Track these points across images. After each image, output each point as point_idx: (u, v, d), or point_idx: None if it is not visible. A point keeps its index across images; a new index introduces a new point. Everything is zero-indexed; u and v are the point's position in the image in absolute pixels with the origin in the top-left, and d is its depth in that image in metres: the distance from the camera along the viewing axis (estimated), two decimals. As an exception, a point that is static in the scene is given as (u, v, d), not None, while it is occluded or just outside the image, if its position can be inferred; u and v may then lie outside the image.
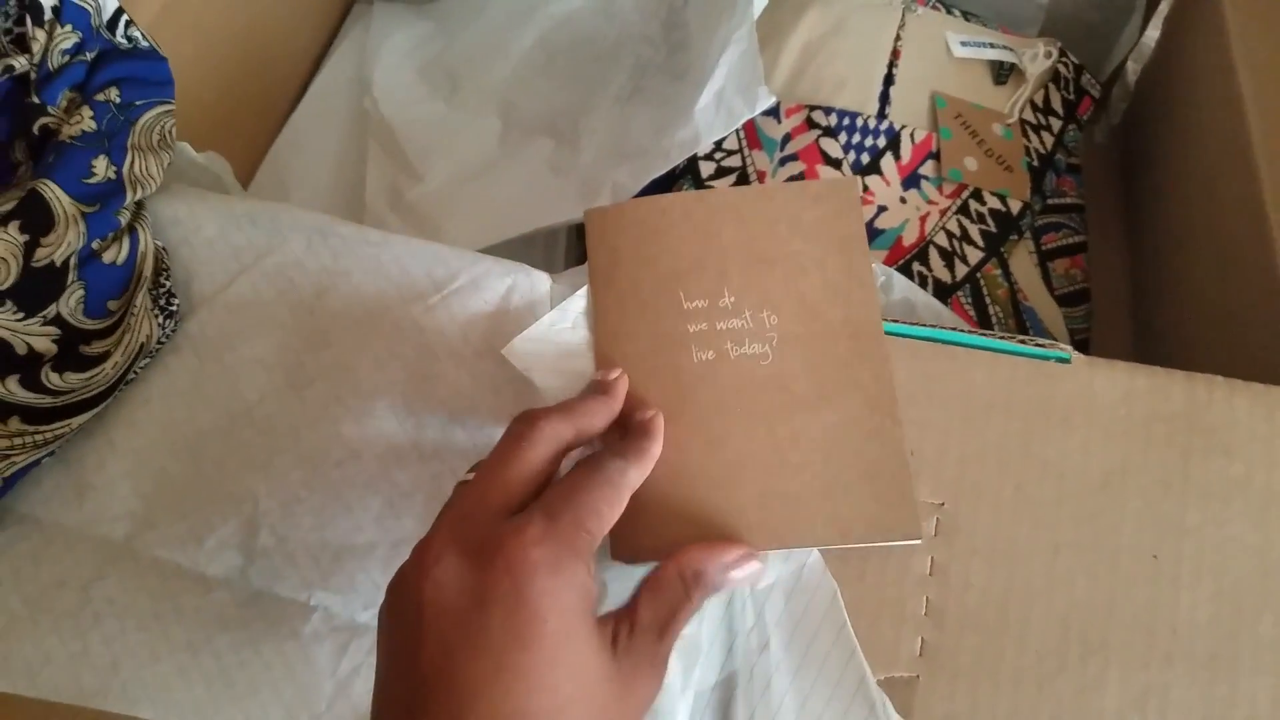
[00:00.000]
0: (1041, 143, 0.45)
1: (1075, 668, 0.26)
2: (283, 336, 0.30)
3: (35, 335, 0.28)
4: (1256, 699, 0.26)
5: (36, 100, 0.30)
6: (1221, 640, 0.26)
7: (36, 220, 0.28)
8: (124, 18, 0.33)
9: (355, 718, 0.26)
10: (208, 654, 0.26)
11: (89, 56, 0.32)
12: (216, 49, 0.45)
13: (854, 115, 0.43)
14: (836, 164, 0.42)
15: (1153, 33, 0.53)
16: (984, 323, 0.40)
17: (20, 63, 0.30)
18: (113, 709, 0.26)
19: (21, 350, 0.28)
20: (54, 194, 0.28)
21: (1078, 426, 0.28)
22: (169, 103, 0.34)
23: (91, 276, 0.29)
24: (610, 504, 0.23)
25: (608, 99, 0.48)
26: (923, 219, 0.41)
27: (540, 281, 0.31)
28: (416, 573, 0.21)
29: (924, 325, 0.30)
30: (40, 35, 0.30)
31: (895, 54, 0.45)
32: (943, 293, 0.40)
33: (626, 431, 0.27)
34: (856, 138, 0.43)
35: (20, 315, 0.27)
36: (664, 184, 0.43)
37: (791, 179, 0.42)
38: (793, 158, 0.43)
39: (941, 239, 0.41)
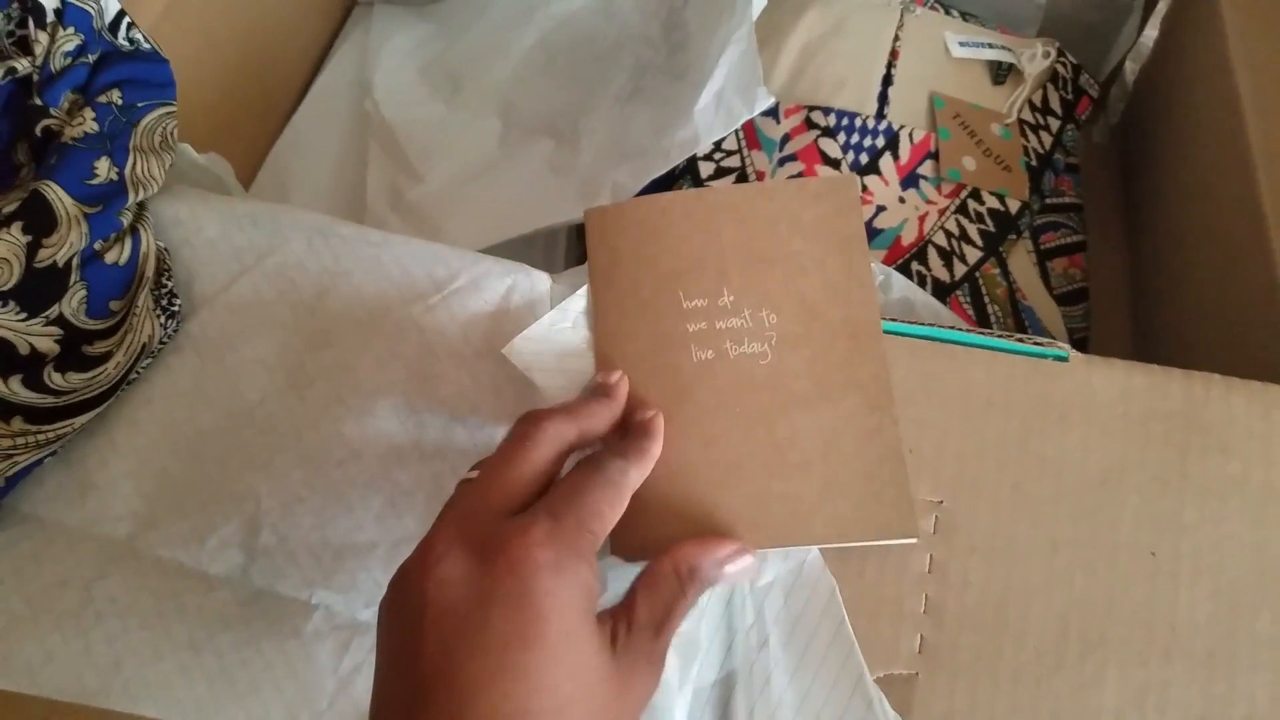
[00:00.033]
0: (1040, 142, 0.45)
1: (1074, 665, 0.26)
2: (284, 336, 0.30)
3: (38, 335, 0.28)
4: (1254, 696, 0.26)
5: (39, 102, 0.30)
6: (1220, 637, 0.26)
7: (39, 221, 0.28)
8: (126, 20, 0.33)
9: (357, 715, 0.26)
10: (210, 652, 0.26)
11: (91, 58, 0.32)
12: (217, 51, 0.45)
13: (853, 115, 0.43)
14: (835, 164, 0.42)
15: (1151, 32, 0.53)
16: (983, 322, 0.40)
17: (23, 65, 0.30)
18: (115, 707, 0.26)
19: (24, 350, 0.28)
20: (56, 195, 0.29)
21: (1076, 424, 0.28)
22: (171, 104, 0.34)
23: (94, 277, 0.29)
24: (612, 504, 0.23)
25: (608, 99, 0.48)
26: (921, 219, 0.41)
27: (540, 281, 0.31)
28: (419, 570, 0.21)
29: (923, 324, 0.30)
30: (42, 37, 0.30)
31: (894, 54, 0.45)
32: (941, 292, 0.40)
33: (627, 432, 0.27)
34: (855, 138, 0.43)
35: (23, 315, 0.28)
36: (664, 184, 0.43)
37: (791, 179, 0.42)
38: (792, 158, 0.43)
39: (940, 238, 0.41)
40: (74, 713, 0.27)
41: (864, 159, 0.43)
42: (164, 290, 0.30)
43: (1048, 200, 0.44)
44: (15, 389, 0.27)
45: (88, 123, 0.31)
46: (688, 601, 0.24)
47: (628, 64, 0.49)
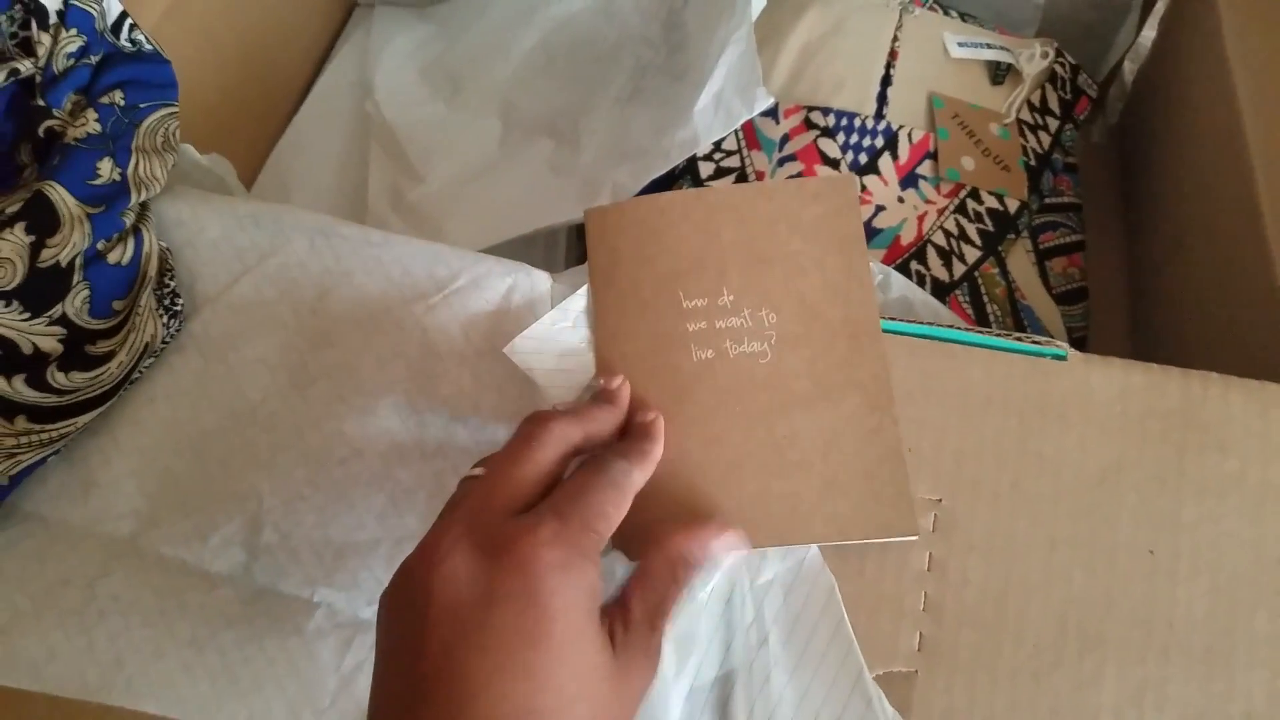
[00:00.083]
0: (1039, 142, 0.45)
1: (1072, 662, 0.26)
2: (286, 336, 0.30)
3: (41, 335, 0.28)
4: (1252, 693, 0.26)
5: (42, 103, 0.30)
6: (1218, 635, 0.26)
7: (42, 221, 0.28)
8: (128, 21, 0.33)
9: (359, 713, 0.26)
10: (212, 650, 0.27)
11: (94, 60, 0.32)
12: (219, 52, 0.45)
13: (852, 115, 0.43)
14: (835, 164, 0.43)
15: (1149, 33, 0.53)
16: (982, 321, 0.40)
17: (25, 66, 0.30)
18: (117, 704, 0.26)
19: (28, 350, 0.28)
20: (59, 195, 0.29)
21: (1074, 423, 0.28)
22: (173, 105, 0.34)
23: (96, 277, 0.29)
24: (616, 505, 0.23)
25: (608, 100, 0.48)
26: (920, 218, 0.42)
27: (541, 281, 0.31)
28: (424, 566, 0.21)
29: (922, 323, 0.30)
30: (45, 39, 0.31)
31: (893, 55, 0.45)
32: (941, 291, 0.40)
33: (628, 434, 0.27)
34: (854, 138, 0.43)
35: (26, 315, 0.28)
36: (663, 184, 0.43)
37: (790, 179, 0.42)
38: (791, 158, 0.43)
39: (939, 238, 0.41)
40: (76, 710, 0.27)
41: (863, 159, 0.43)
42: (166, 290, 0.30)
43: (1046, 200, 0.44)
44: (19, 388, 0.27)
45: (90, 123, 0.31)
46: (680, 590, 0.24)
47: (628, 65, 0.49)
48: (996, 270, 0.41)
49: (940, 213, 0.42)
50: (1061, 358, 0.29)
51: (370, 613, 0.27)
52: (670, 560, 0.24)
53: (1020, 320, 0.41)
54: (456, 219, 0.46)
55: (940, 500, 0.28)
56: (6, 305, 0.27)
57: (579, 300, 0.30)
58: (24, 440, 0.28)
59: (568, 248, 0.49)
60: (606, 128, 0.46)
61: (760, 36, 0.42)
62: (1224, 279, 0.38)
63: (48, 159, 0.30)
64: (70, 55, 0.31)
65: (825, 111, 0.44)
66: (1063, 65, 0.48)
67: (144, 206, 0.31)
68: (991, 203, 0.42)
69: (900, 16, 0.46)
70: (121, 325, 0.29)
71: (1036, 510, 0.28)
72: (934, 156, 0.43)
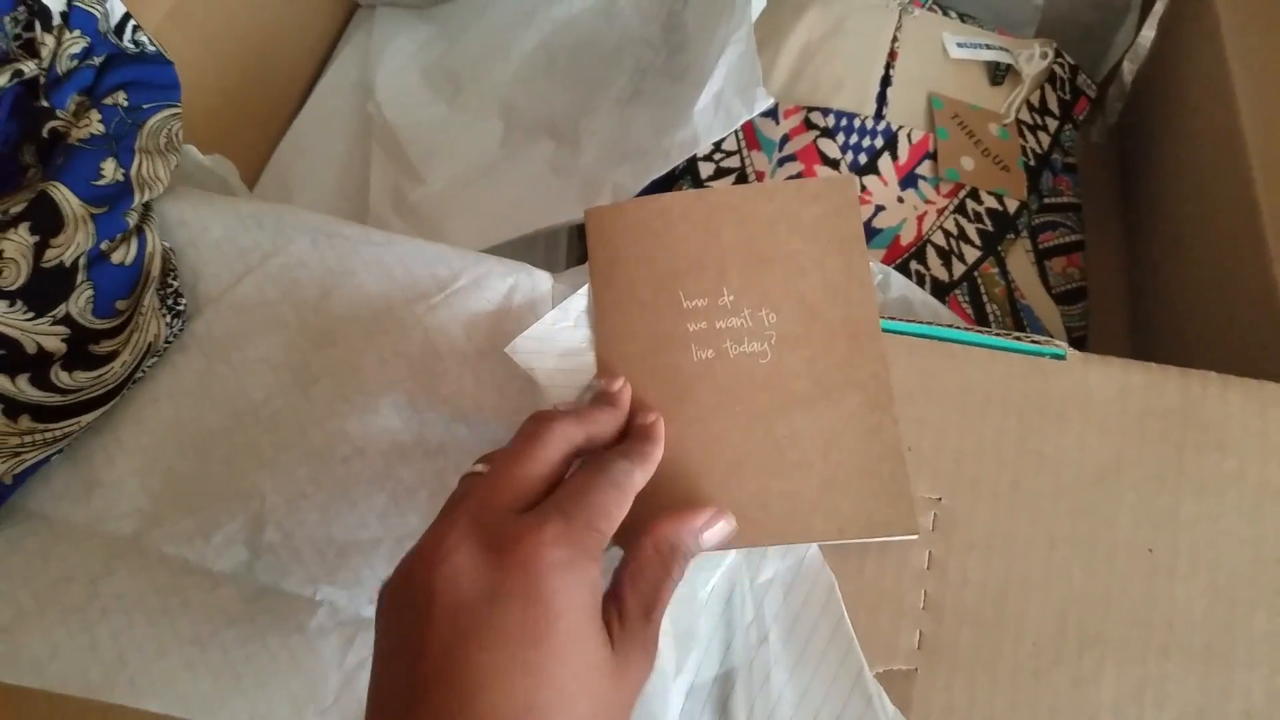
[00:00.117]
0: (1038, 142, 0.45)
1: (1072, 660, 0.26)
2: (288, 336, 0.30)
3: (45, 334, 0.28)
4: (1251, 691, 0.26)
5: (45, 104, 0.31)
6: (1217, 633, 0.26)
7: (46, 221, 0.28)
8: (131, 23, 0.34)
9: (361, 711, 0.26)
10: (215, 648, 0.27)
11: (97, 61, 0.32)
12: (221, 53, 0.45)
13: (851, 116, 0.44)
14: (835, 164, 0.43)
15: (1148, 33, 0.53)
16: (981, 321, 0.40)
17: (29, 67, 0.30)
18: (120, 702, 0.26)
19: (31, 349, 0.28)
20: (63, 196, 0.29)
21: (1073, 422, 0.28)
22: (176, 106, 0.34)
23: (100, 277, 0.29)
24: (618, 505, 0.23)
25: (608, 101, 0.48)
26: (920, 218, 0.42)
27: (542, 281, 0.31)
28: (429, 562, 0.21)
29: (921, 323, 0.30)
30: (49, 40, 0.31)
31: (892, 55, 0.45)
32: (940, 291, 0.40)
33: (629, 435, 0.27)
34: (854, 138, 0.43)
35: (30, 315, 0.28)
36: (664, 184, 0.43)
37: (790, 179, 0.43)
38: (791, 158, 0.43)
39: (939, 238, 0.41)
40: (78, 708, 0.27)
41: (863, 159, 0.43)
42: (170, 290, 0.31)
43: (1046, 200, 0.44)
44: (23, 387, 0.28)
45: (94, 124, 0.31)
46: (673, 579, 0.24)
47: (628, 66, 0.49)
48: (996, 270, 0.41)
49: (940, 213, 0.42)
50: (1061, 357, 0.29)
51: (372, 611, 0.27)
52: (660, 550, 0.24)
53: (1020, 320, 0.41)
54: (458, 219, 0.46)
55: (940, 499, 0.28)
56: (10, 305, 0.28)
57: (580, 300, 0.31)
58: (28, 439, 0.28)
59: (569, 248, 0.49)
60: (607, 128, 0.47)
61: (760, 37, 0.42)
62: (1223, 278, 0.39)
63: (51, 159, 0.30)
64: (74, 56, 0.32)
65: (825, 112, 0.44)
66: (1062, 66, 0.48)
67: (147, 207, 0.31)
68: (991, 203, 0.43)
69: (900, 17, 0.46)
70: (125, 325, 0.30)
71: (1036, 509, 0.28)
72: (933, 157, 0.43)
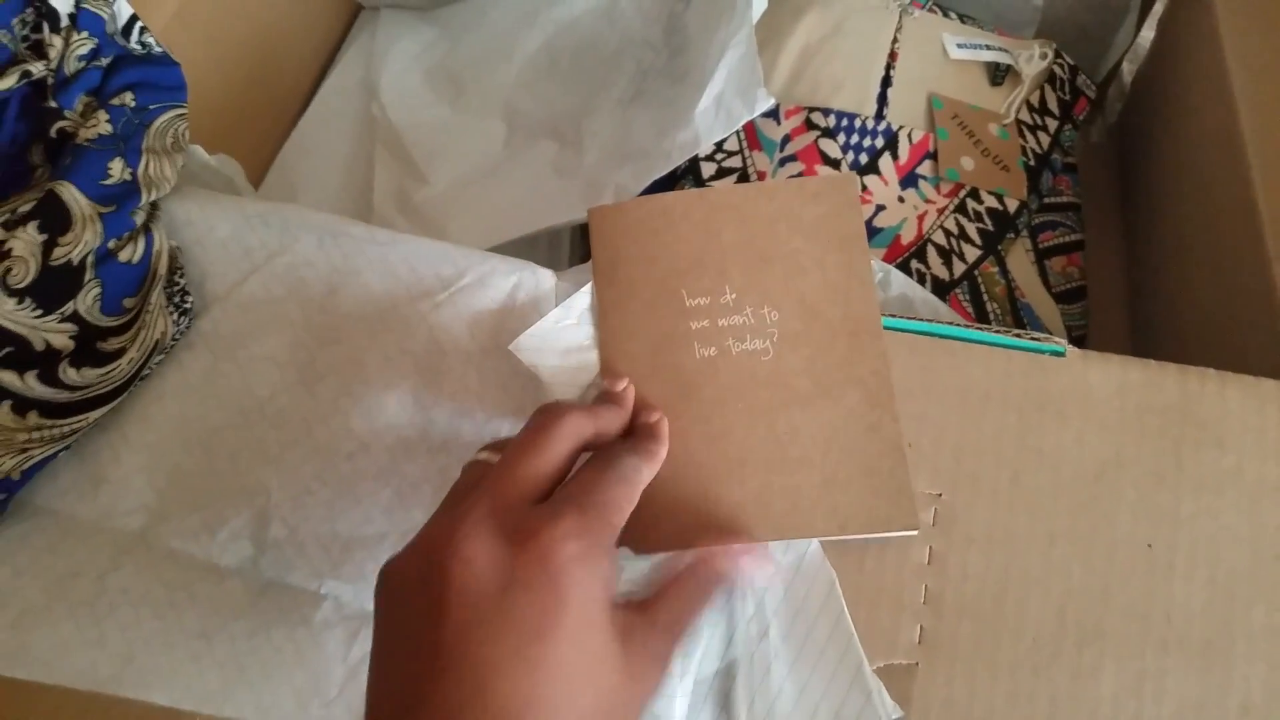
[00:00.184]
0: (1038, 142, 0.45)
1: (1071, 655, 0.26)
2: (294, 333, 0.31)
3: (53, 332, 0.28)
4: (1250, 686, 0.26)
5: (53, 104, 0.31)
6: (1215, 628, 0.27)
7: (54, 220, 0.29)
8: (138, 24, 0.34)
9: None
10: (221, 641, 0.27)
11: (104, 62, 0.33)
12: (226, 55, 0.46)
13: (852, 116, 0.44)
14: (835, 164, 0.43)
15: (1148, 34, 0.53)
16: (982, 319, 0.41)
17: (37, 68, 0.31)
18: (128, 695, 0.27)
19: (40, 346, 0.28)
20: (72, 195, 0.29)
21: (1072, 418, 0.29)
22: (182, 107, 0.34)
23: (108, 275, 0.30)
24: (629, 500, 0.24)
25: (610, 102, 0.48)
26: (921, 218, 0.42)
27: (545, 279, 0.31)
28: (445, 547, 0.21)
29: (922, 320, 0.30)
30: (57, 41, 0.31)
31: (893, 56, 0.45)
32: (941, 290, 0.41)
33: (635, 433, 0.27)
34: (855, 138, 0.43)
35: (39, 312, 0.28)
36: (666, 185, 0.44)
37: (791, 179, 0.43)
38: (792, 158, 0.44)
39: (939, 237, 0.42)
40: (86, 701, 0.27)
41: (863, 159, 0.43)
42: (176, 288, 0.31)
43: (1046, 199, 0.45)
44: (31, 384, 0.28)
45: (101, 124, 0.31)
46: (707, 606, 0.24)
47: (629, 67, 0.49)
48: (996, 269, 0.42)
49: (940, 212, 0.42)
50: (1060, 354, 0.29)
51: (377, 605, 0.28)
52: (704, 579, 0.24)
53: (1020, 319, 0.41)
54: (461, 220, 0.46)
55: (940, 495, 0.28)
56: (19, 302, 0.28)
57: (583, 298, 0.31)
58: (35, 435, 0.28)
59: (571, 248, 0.49)
60: (609, 130, 0.47)
61: (760, 39, 0.42)
62: (1222, 277, 0.39)
63: (59, 159, 0.30)
64: (81, 57, 0.32)
65: (826, 112, 0.44)
66: (1061, 66, 0.48)
67: (154, 206, 0.32)
68: (991, 202, 0.43)
69: (900, 18, 0.47)
70: (132, 323, 0.30)
71: (1036, 505, 0.28)
72: (934, 156, 0.43)
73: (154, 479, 0.29)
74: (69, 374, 0.28)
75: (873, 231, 0.42)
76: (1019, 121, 0.45)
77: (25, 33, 0.31)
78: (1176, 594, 0.27)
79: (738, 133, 0.45)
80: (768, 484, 0.28)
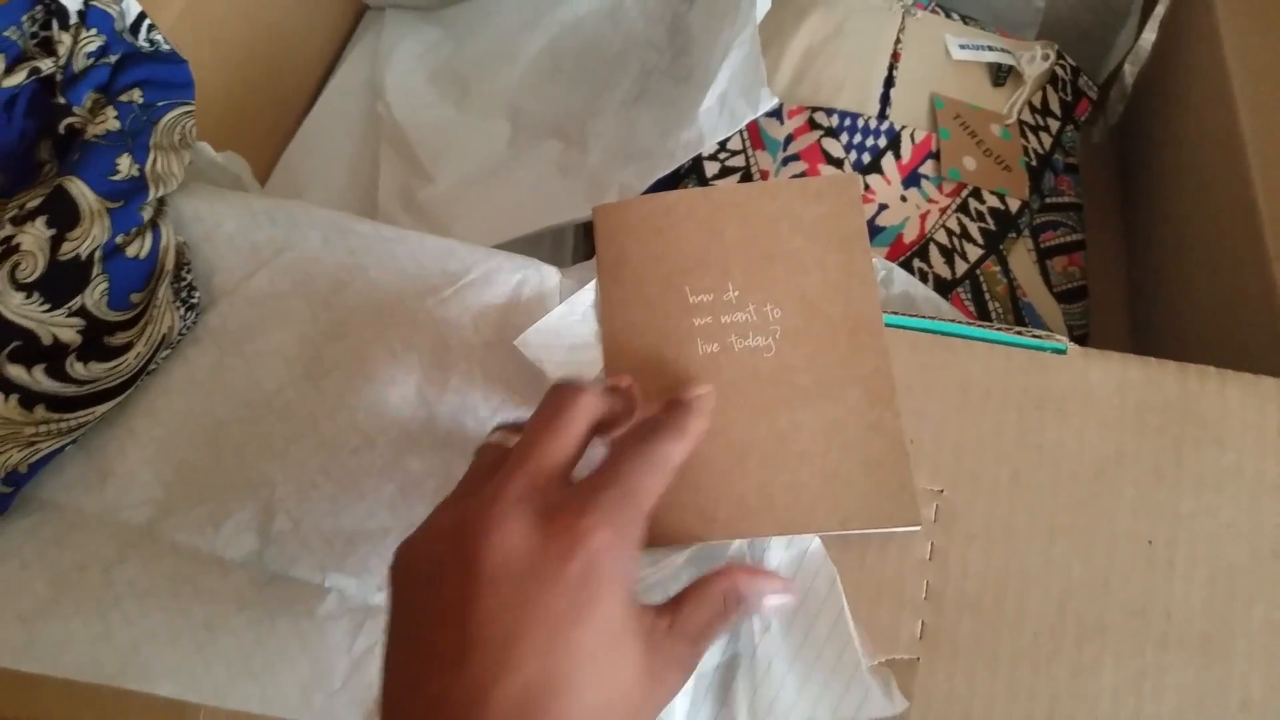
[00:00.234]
0: (1040, 143, 0.46)
1: (1071, 650, 0.27)
2: (300, 328, 0.31)
3: (61, 326, 0.29)
4: (1250, 682, 0.26)
5: (62, 100, 0.31)
6: (1215, 625, 0.27)
7: (62, 215, 0.29)
8: (146, 22, 0.34)
9: (370, 695, 0.26)
10: (226, 633, 0.27)
11: (112, 59, 0.33)
12: (232, 54, 0.46)
13: (855, 116, 0.44)
14: (838, 164, 0.43)
15: (1149, 35, 0.54)
16: (984, 318, 0.41)
17: (46, 65, 0.31)
18: (133, 687, 0.27)
19: (47, 340, 0.28)
20: (80, 190, 0.29)
21: (1073, 416, 0.29)
22: (189, 104, 0.35)
23: (115, 270, 0.30)
24: (661, 487, 0.23)
25: (614, 102, 0.48)
26: (923, 217, 0.42)
27: (550, 276, 0.32)
28: (480, 525, 0.20)
29: (923, 317, 0.30)
30: (65, 38, 0.31)
31: (895, 56, 0.46)
32: (943, 289, 0.41)
33: (675, 407, 0.26)
34: (858, 138, 0.44)
35: (47, 306, 0.28)
36: (669, 184, 0.44)
37: (793, 178, 0.43)
38: (795, 158, 0.44)
39: (942, 236, 0.42)
40: (89, 694, 0.27)
41: (866, 158, 0.43)
42: (183, 283, 0.31)
43: (1047, 200, 0.45)
44: (38, 378, 0.28)
45: (110, 121, 0.31)
46: (728, 623, 0.24)
47: (633, 68, 0.50)
48: (998, 268, 0.42)
49: (942, 211, 0.42)
50: (1061, 351, 0.29)
51: (380, 599, 0.28)
52: (728, 591, 0.24)
53: (1021, 318, 0.41)
54: (465, 219, 0.46)
55: (941, 491, 0.28)
56: (28, 297, 0.28)
57: (587, 295, 0.31)
58: (43, 429, 0.28)
59: (574, 247, 0.49)
60: (613, 130, 0.47)
61: (763, 39, 0.42)
62: (1222, 277, 0.39)
63: (68, 155, 0.31)
64: (90, 54, 0.32)
65: (829, 112, 0.44)
66: (1063, 67, 0.49)
67: (162, 202, 0.32)
68: (993, 202, 0.43)
69: (902, 19, 0.47)
70: (139, 317, 0.30)
71: (1036, 501, 0.28)
72: (936, 156, 0.43)
73: (160, 473, 0.30)
74: (76, 368, 0.29)
75: (875, 230, 0.42)
76: (1021, 122, 0.45)
77: (34, 30, 0.32)
78: (1176, 591, 0.27)
79: (741, 132, 0.45)
80: (769, 480, 0.28)
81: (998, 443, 0.29)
